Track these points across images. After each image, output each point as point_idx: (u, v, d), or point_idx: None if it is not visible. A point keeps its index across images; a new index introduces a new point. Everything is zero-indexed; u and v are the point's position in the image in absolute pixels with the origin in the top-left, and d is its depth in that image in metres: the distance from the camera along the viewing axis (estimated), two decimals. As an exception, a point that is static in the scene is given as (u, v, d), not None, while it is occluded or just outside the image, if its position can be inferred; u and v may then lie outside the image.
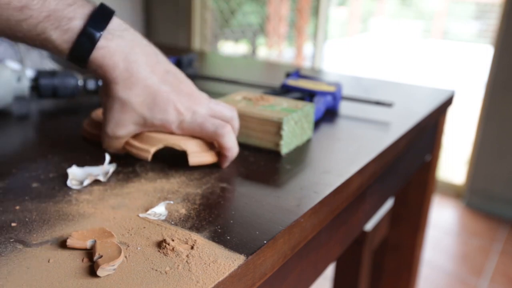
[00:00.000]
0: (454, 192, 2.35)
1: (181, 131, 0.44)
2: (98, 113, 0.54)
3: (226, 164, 0.46)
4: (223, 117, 0.46)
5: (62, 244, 0.31)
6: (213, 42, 3.05)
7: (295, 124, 0.51)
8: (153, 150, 0.43)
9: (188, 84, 0.45)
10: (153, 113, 0.43)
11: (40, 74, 0.61)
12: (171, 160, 0.47)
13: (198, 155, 0.44)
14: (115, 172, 0.43)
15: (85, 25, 0.39)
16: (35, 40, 0.39)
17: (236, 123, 0.48)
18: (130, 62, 0.41)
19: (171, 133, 0.45)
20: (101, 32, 0.40)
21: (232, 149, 0.45)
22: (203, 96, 0.46)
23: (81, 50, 0.40)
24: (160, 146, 0.44)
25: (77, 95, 0.64)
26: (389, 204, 0.94)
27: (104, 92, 0.43)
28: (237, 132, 0.48)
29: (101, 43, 0.40)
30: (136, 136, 0.45)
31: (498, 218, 2.12)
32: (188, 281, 0.28)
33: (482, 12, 7.61)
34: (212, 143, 0.46)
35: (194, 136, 0.45)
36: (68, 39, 0.39)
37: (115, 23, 0.42)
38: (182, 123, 0.44)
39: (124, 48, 0.41)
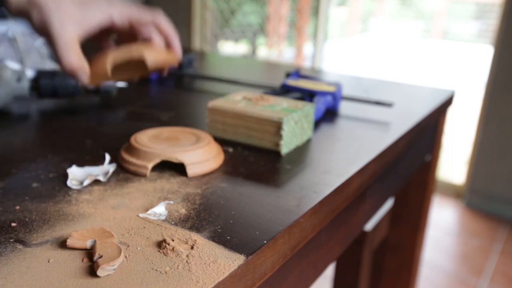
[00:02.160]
0: (454, 192, 2.35)
1: (121, 16, 0.48)
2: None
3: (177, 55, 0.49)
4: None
5: (62, 244, 0.31)
6: (213, 42, 3.05)
7: (295, 124, 0.51)
8: (150, 165, 0.43)
9: None
10: (88, 8, 0.46)
11: (40, 74, 0.61)
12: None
13: (196, 166, 0.44)
14: (115, 172, 0.44)
15: None
16: None
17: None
18: None
19: (112, 21, 0.47)
20: None
21: (173, 31, 0.51)
22: None
23: None
24: (157, 161, 0.44)
25: (77, 95, 0.64)
26: (389, 204, 0.94)
27: (38, 24, 0.44)
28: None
29: None
30: (132, 153, 0.45)
31: (498, 218, 2.12)
32: (188, 281, 0.28)
33: (482, 12, 7.60)
34: (209, 152, 0.46)
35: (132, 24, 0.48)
36: None
37: None
38: (119, 11, 0.48)
39: None
